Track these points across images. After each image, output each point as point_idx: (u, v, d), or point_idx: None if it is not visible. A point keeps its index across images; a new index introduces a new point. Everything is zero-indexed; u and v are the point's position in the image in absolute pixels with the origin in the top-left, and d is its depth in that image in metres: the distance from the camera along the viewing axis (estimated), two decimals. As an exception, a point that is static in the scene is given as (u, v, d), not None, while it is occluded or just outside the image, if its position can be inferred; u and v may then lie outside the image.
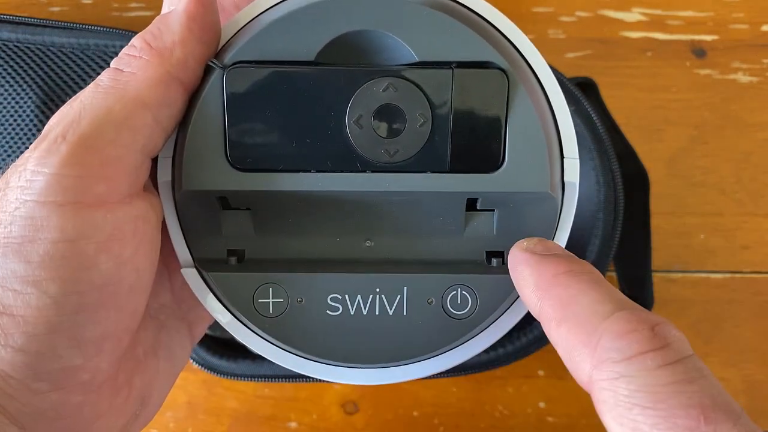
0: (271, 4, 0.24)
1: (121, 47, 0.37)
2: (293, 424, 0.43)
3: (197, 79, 0.23)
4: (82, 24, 0.37)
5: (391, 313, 0.25)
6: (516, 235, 0.24)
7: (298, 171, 0.24)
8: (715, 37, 0.44)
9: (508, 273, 0.23)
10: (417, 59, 0.23)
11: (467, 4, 0.24)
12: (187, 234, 0.25)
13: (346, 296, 0.25)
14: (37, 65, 0.37)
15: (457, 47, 0.23)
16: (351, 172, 0.24)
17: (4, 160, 0.36)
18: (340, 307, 0.25)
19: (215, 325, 0.37)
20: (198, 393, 0.43)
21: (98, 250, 0.21)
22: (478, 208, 0.25)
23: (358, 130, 0.23)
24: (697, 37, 0.44)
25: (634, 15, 0.44)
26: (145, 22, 0.42)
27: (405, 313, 0.25)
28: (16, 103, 0.37)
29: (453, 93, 0.23)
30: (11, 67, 0.37)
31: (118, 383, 0.24)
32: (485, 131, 0.24)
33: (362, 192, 0.24)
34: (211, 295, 0.25)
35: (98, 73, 0.37)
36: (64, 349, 0.21)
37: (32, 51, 0.37)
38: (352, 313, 0.25)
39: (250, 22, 0.24)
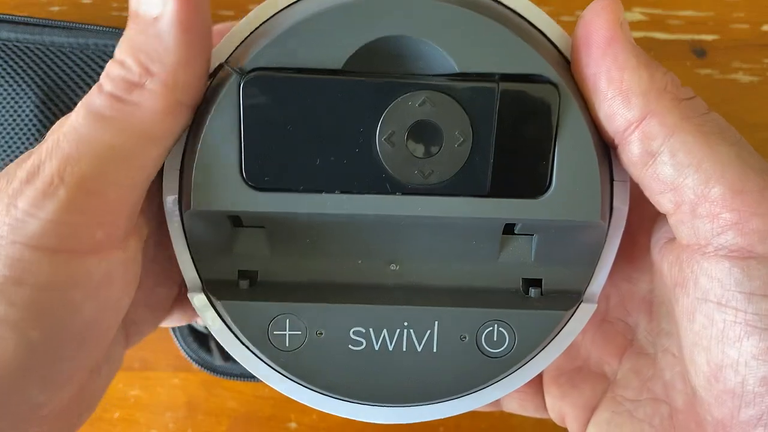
0: (292, 1, 0.22)
1: (121, 47, 0.37)
2: (293, 425, 0.43)
3: (202, 93, 0.21)
4: (82, 24, 0.37)
5: (419, 349, 0.23)
6: (556, 261, 0.23)
7: (320, 191, 0.21)
8: (715, 36, 0.44)
9: (549, 308, 0.22)
10: (457, 70, 0.21)
11: (510, 5, 0.22)
12: (194, 254, 0.23)
13: (371, 330, 0.22)
14: (37, 65, 0.37)
15: (502, 57, 0.21)
16: (380, 194, 0.21)
17: (2, 159, 0.36)
18: (364, 342, 0.23)
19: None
20: (197, 393, 0.43)
21: (85, 297, 0.20)
22: (516, 232, 0.23)
23: (390, 148, 0.21)
24: (697, 37, 0.44)
25: (634, 15, 0.44)
26: (144, 22, 0.42)
27: (435, 350, 0.23)
28: (15, 102, 0.36)
29: (497, 109, 0.21)
30: (10, 66, 0.37)
31: (72, 404, 0.23)
32: (531, 152, 0.21)
33: (391, 216, 0.22)
34: (222, 324, 0.23)
35: (98, 73, 0.37)
36: (32, 389, 0.20)
37: (31, 50, 0.37)
38: (376, 348, 0.23)
39: (267, 20, 0.22)
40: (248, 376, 0.38)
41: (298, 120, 0.21)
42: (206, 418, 0.43)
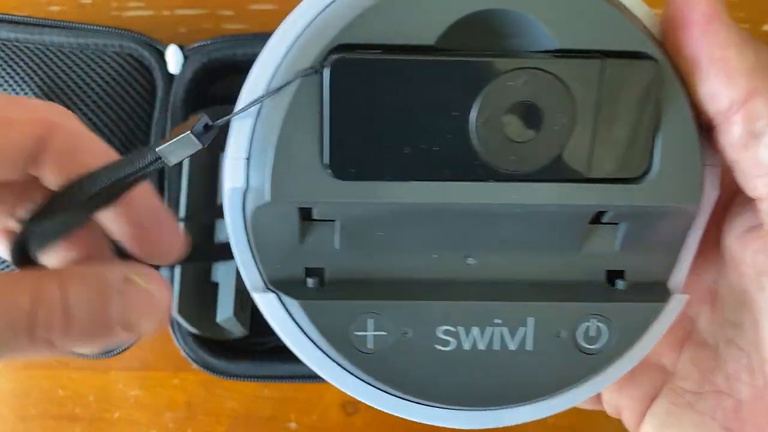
0: None
1: (120, 47, 0.37)
2: (293, 425, 0.43)
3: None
4: (82, 23, 0.37)
5: (513, 348, 0.21)
6: (642, 251, 0.22)
7: (408, 180, 0.20)
8: (715, 36, 0.44)
9: (644, 299, 0.21)
10: (558, 46, 0.19)
11: None
12: (257, 251, 0.21)
13: (460, 328, 0.21)
14: (36, 65, 0.37)
15: (604, 33, 0.19)
16: (473, 181, 0.20)
17: (3, 159, 0.36)
18: (453, 341, 0.21)
19: (215, 330, 0.37)
20: (197, 393, 0.43)
21: None
22: (602, 221, 0.22)
23: (485, 131, 0.19)
24: (697, 37, 0.44)
25: (634, 15, 0.44)
26: (144, 22, 0.42)
27: (530, 348, 0.21)
28: (15, 102, 0.37)
29: (601, 88, 0.19)
30: (10, 66, 0.37)
31: None
32: (633, 134, 0.20)
33: (482, 204, 0.20)
34: (295, 326, 0.22)
35: (97, 73, 0.37)
36: None
37: (31, 50, 0.37)
38: (466, 347, 0.21)
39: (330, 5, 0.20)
40: (248, 376, 0.38)
41: (386, 103, 0.19)
42: (206, 418, 0.43)
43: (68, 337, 0.19)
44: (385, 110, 0.19)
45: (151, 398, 0.43)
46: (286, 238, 0.21)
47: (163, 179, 0.37)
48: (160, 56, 0.37)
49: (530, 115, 0.19)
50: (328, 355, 0.22)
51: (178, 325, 0.37)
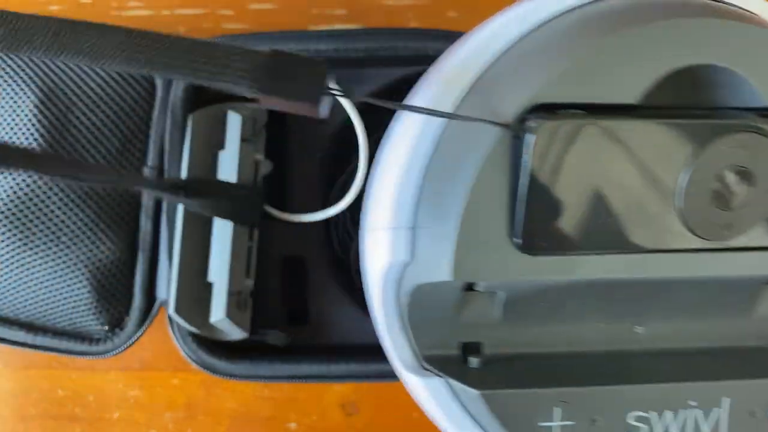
0: (550, 15, 0.18)
1: (120, 46, 0.37)
2: (293, 425, 0.43)
3: None
4: (81, 23, 0.37)
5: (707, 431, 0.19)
6: None
7: (606, 252, 0.18)
8: (717, 36, 0.43)
9: None
10: (767, 104, 0.18)
11: None
12: (413, 328, 0.20)
13: (653, 413, 0.19)
14: (35, 64, 0.37)
15: None
16: (673, 252, 0.18)
17: (2, 159, 0.36)
18: (645, 428, 0.19)
19: (215, 331, 0.37)
20: (197, 394, 0.43)
21: None
22: None
23: (692, 199, 0.18)
24: (699, 37, 0.44)
25: (635, 14, 0.44)
26: (143, 21, 0.42)
27: (723, 431, 0.19)
28: (15, 102, 0.36)
29: None
30: (9, 67, 0.37)
31: None
32: None
33: (695, 278, 0.19)
34: (464, 414, 0.20)
35: (97, 73, 0.37)
36: None
37: (31, 50, 0.37)
38: None
39: (517, 44, 0.18)
40: (248, 377, 0.38)
41: (589, 170, 0.17)
42: (206, 418, 0.43)
43: None
44: (587, 177, 0.17)
45: (150, 398, 0.43)
46: (443, 310, 0.20)
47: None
48: (160, 56, 0.37)
49: (740, 180, 0.18)
50: None
51: (178, 325, 0.37)
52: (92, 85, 0.37)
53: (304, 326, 0.39)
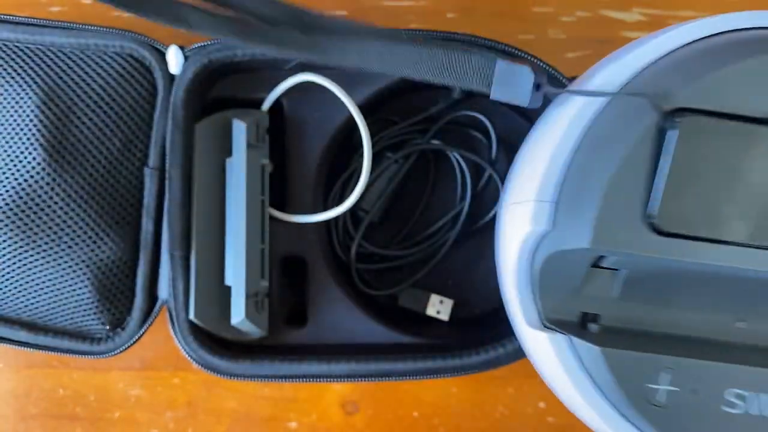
0: (706, 34, 0.21)
1: (121, 47, 0.37)
2: (293, 424, 0.43)
3: None
4: (82, 24, 0.37)
5: None
6: None
7: (727, 243, 0.20)
8: (715, 37, 0.44)
9: None
10: None
11: None
12: (542, 291, 0.22)
13: (750, 393, 0.21)
14: (37, 65, 0.37)
15: None
16: None
17: (3, 160, 0.36)
18: (741, 405, 0.21)
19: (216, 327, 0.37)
20: (198, 393, 0.43)
21: None
22: None
23: None
24: (697, 37, 0.44)
25: (634, 15, 0.44)
26: (144, 22, 0.42)
27: None
28: (16, 102, 0.37)
29: None
30: (11, 67, 0.37)
31: None
32: None
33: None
34: (580, 368, 0.22)
35: (98, 74, 0.37)
36: None
37: (32, 51, 0.37)
38: (753, 413, 0.21)
39: (678, 49, 0.22)
40: (248, 376, 0.38)
41: (721, 168, 0.20)
42: (207, 418, 0.43)
43: None
44: (720, 174, 0.20)
45: (151, 398, 0.43)
46: (570, 281, 0.22)
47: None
48: (161, 56, 0.37)
49: None
50: (614, 405, 0.22)
51: (179, 324, 0.37)
52: (94, 85, 0.37)
53: (304, 326, 0.39)
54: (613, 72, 0.22)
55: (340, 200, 0.40)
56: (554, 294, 0.22)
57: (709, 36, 0.22)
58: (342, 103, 0.38)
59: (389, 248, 0.41)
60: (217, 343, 0.38)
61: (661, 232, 0.20)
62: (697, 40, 0.22)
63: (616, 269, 0.22)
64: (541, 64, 0.35)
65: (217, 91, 0.39)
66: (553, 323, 0.22)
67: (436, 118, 0.41)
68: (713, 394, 0.21)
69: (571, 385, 0.22)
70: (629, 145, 0.20)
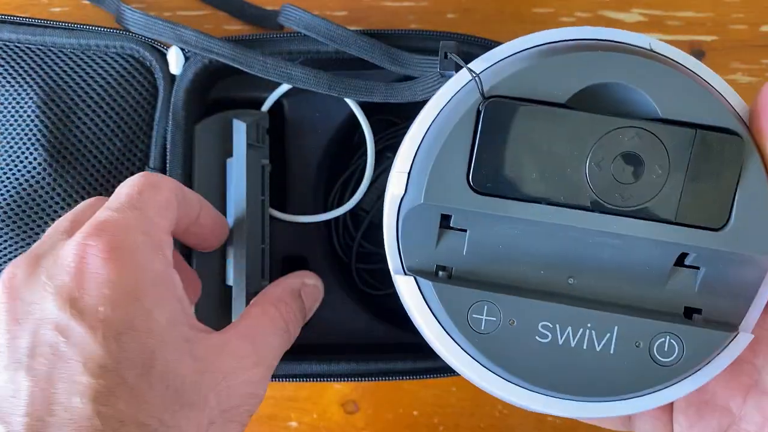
0: (518, 50, 0.27)
1: (122, 48, 0.37)
2: (293, 424, 0.43)
3: None
4: (84, 24, 0.37)
5: (598, 349, 0.25)
6: (717, 294, 0.26)
7: (532, 201, 0.25)
8: (714, 37, 0.44)
9: (715, 329, 0.25)
10: (661, 116, 0.25)
11: (694, 69, 0.26)
12: (402, 244, 0.27)
13: (557, 326, 0.25)
14: (38, 66, 0.37)
15: (700, 110, 0.25)
16: (582, 210, 0.25)
17: (5, 159, 0.36)
18: (550, 335, 0.25)
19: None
20: (198, 392, 0.43)
21: None
22: (685, 263, 0.26)
23: (597, 171, 0.25)
24: (696, 38, 0.44)
25: (633, 15, 0.44)
26: (145, 23, 0.42)
27: (611, 352, 0.25)
28: (17, 103, 0.37)
29: (692, 152, 0.25)
30: (12, 67, 0.37)
31: None
32: (715, 192, 0.25)
33: (579, 231, 0.25)
34: (424, 303, 0.26)
35: (99, 74, 0.37)
36: None
37: (33, 51, 0.37)
38: (560, 343, 0.25)
39: (507, 57, 0.27)
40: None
41: (523, 141, 0.25)
42: (207, 417, 0.43)
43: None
44: (521, 146, 0.25)
45: (152, 397, 0.43)
46: (426, 239, 0.27)
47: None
48: (162, 57, 0.37)
49: (633, 163, 0.25)
50: (447, 332, 0.26)
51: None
52: (94, 85, 0.37)
53: (305, 326, 0.39)
54: (487, 57, 0.27)
55: (340, 200, 0.40)
56: (414, 248, 0.27)
57: (541, 44, 0.27)
58: (342, 104, 0.38)
59: (388, 248, 0.41)
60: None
61: (477, 192, 0.25)
62: (536, 46, 0.27)
63: (465, 230, 0.26)
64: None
65: (218, 91, 0.39)
66: (412, 272, 0.27)
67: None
68: (528, 326, 0.25)
69: (419, 317, 0.27)
70: (457, 121, 0.25)
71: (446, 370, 0.37)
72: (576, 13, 0.44)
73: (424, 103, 0.27)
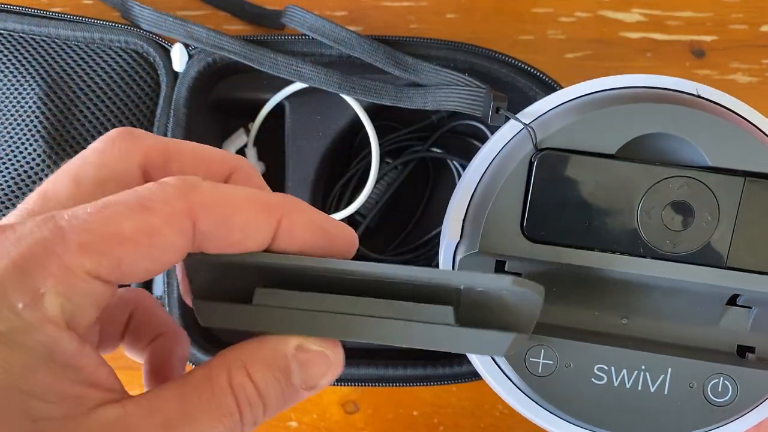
0: (565, 100, 0.28)
1: (126, 42, 0.37)
2: (293, 424, 0.43)
3: None
4: (88, 18, 0.37)
5: (652, 390, 0.26)
6: None
7: (584, 249, 0.26)
8: (714, 37, 0.44)
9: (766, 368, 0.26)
10: (710, 164, 0.26)
11: (743, 114, 0.27)
12: None
13: (612, 368, 0.26)
14: (41, 57, 0.37)
15: (747, 157, 0.26)
16: (635, 256, 0.26)
17: (4, 150, 0.36)
18: (605, 377, 0.26)
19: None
20: (197, 392, 0.43)
21: None
22: (738, 303, 0.27)
23: (648, 219, 0.26)
24: (696, 38, 0.44)
25: (633, 15, 0.44)
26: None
27: (666, 393, 0.26)
28: (19, 94, 0.37)
29: (741, 199, 0.26)
30: (15, 57, 0.37)
31: None
32: (766, 236, 0.26)
33: (634, 275, 0.26)
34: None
35: (102, 68, 0.37)
36: None
37: (37, 42, 0.37)
38: (615, 384, 0.26)
39: (555, 108, 0.28)
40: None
41: (575, 190, 0.26)
42: (206, 418, 0.43)
43: (265, 417, 0.21)
44: (573, 195, 0.26)
45: (150, 397, 0.43)
46: None
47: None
48: (166, 53, 0.37)
49: (683, 211, 0.26)
50: (507, 376, 0.27)
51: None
52: (97, 79, 0.37)
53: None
54: (536, 108, 0.28)
55: (338, 204, 0.40)
56: None
57: (589, 93, 0.28)
58: (344, 108, 0.38)
59: (385, 253, 0.41)
60: (212, 343, 0.38)
61: (532, 240, 0.26)
62: (583, 95, 0.28)
63: (519, 274, 0.27)
64: (542, 76, 0.37)
65: (220, 91, 0.39)
66: None
67: (437, 126, 0.41)
68: (583, 368, 0.26)
69: (478, 360, 0.27)
70: (511, 171, 0.26)
71: (443, 378, 0.37)
72: (576, 13, 0.44)
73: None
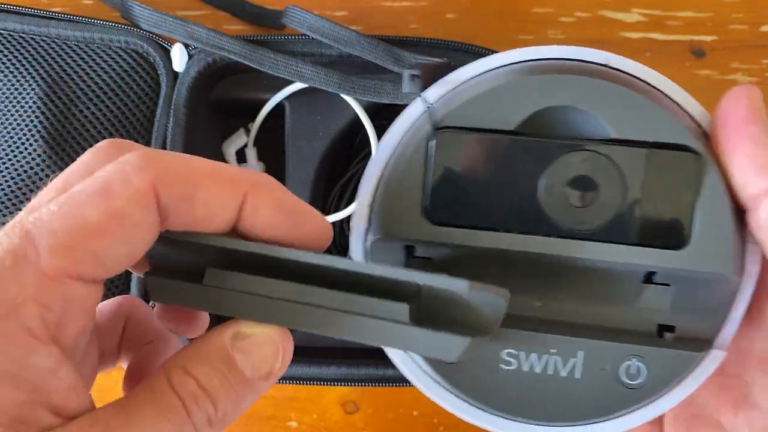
0: (476, 74, 0.26)
1: (126, 42, 0.37)
2: (293, 424, 0.43)
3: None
4: (88, 18, 0.37)
5: (563, 375, 0.25)
6: (690, 311, 0.25)
7: (488, 229, 0.25)
8: (714, 37, 0.44)
9: (683, 349, 0.25)
10: (613, 136, 0.24)
11: (658, 86, 0.25)
12: None
13: (521, 352, 0.25)
14: (42, 56, 0.37)
15: (653, 128, 0.24)
16: (538, 235, 0.25)
17: (4, 150, 0.36)
18: (515, 362, 0.25)
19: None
20: (197, 392, 0.43)
21: None
22: (654, 281, 0.26)
23: (550, 197, 0.24)
24: (696, 38, 0.44)
25: (633, 15, 0.44)
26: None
27: (578, 377, 0.25)
28: (19, 93, 0.37)
29: (646, 171, 0.24)
30: (15, 57, 0.37)
31: None
32: (673, 210, 0.24)
33: (544, 255, 0.25)
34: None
35: (102, 68, 0.37)
36: None
37: (37, 42, 0.38)
38: (525, 369, 0.25)
39: (456, 87, 0.26)
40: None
41: (475, 169, 0.25)
42: (206, 418, 0.43)
43: (220, 414, 0.20)
44: (473, 176, 0.25)
45: (151, 397, 0.43)
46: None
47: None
48: (166, 53, 0.37)
49: (587, 186, 0.24)
50: (415, 362, 0.26)
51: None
52: (97, 79, 0.37)
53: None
54: (446, 81, 0.27)
55: (338, 204, 0.40)
56: None
57: (498, 66, 0.26)
58: (344, 108, 0.38)
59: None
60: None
61: (435, 223, 0.25)
62: (493, 69, 0.26)
63: (430, 258, 0.26)
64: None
65: (219, 91, 0.39)
66: None
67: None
68: (493, 355, 0.25)
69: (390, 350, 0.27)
70: (411, 153, 0.25)
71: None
72: (576, 13, 0.44)
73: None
